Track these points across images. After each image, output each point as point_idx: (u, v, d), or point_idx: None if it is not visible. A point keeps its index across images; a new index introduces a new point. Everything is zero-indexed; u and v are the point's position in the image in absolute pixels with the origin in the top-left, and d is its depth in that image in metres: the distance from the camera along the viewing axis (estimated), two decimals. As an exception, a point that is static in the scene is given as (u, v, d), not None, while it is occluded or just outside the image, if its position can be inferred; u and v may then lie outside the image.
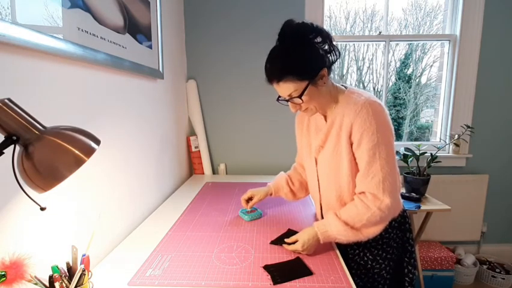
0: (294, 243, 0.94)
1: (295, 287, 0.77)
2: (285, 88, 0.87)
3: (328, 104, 0.95)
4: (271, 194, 1.22)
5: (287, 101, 0.91)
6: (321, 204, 1.06)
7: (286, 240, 0.96)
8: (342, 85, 0.98)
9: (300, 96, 0.87)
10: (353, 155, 0.90)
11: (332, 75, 0.95)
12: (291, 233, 1.05)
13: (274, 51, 0.88)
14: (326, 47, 0.88)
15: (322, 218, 1.08)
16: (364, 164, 0.87)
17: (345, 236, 0.90)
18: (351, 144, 0.90)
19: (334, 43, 0.89)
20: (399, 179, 0.98)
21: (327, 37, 0.87)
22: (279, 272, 0.83)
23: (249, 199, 1.21)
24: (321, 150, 0.98)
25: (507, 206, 2.16)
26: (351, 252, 1.00)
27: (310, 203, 1.39)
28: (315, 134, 1.02)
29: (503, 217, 2.18)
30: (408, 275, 1.02)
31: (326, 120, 0.98)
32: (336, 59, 0.91)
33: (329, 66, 0.90)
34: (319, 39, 0.87)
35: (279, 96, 0.92)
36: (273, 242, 1.00)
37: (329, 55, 0.89)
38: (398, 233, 0.99)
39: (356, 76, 3.95)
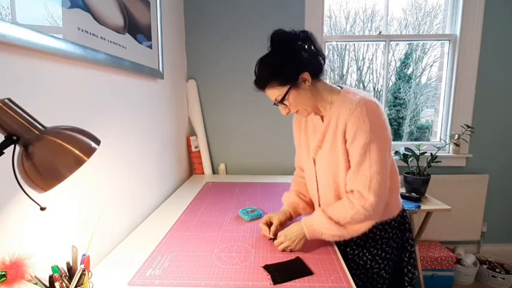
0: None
1: (295, 287, 0.77)
2: (270, 94, 0.92)
3: (320, 104, 0.96)
4: (291, 217, 1.11)
5: (276, 105, 0.95)
6: (319, 204, 1.06)
7: (274, 237, 0.99)
8: (338, 85, 0.99)
9: (282, 101, 0.91)
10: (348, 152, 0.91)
11: (331, 75, 0.95)
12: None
13: (259, 61, 0.93)
14: (312, 51, 0.91)
15: None
16: (355, 162, 0.88)
17: (329, 230, 0.91)
18: (346, 142, 0.90)
19: (317, 46, 0.91)
20: (397, 179, 0.98)
21: (307, 40, 0.90)
22: (279, 272, 0.83)
23: (268, 224, 1.08)
24: (318, 150, 0.99)
25: (507, 206, 2.16)
26: (350, 253, 1.00)
27: (310, 203, 1.38)
28: (312, 135, 1.02)
29: (503, 217, 2.18)
30: (408, 275, 1.02)
31: (322, 120, 0.98)
32: (323, 61, 0.93)
33: (317, 68, 0.92)
34: (303, 45, 0.90)
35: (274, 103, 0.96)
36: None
37: (318, 57, 0.92)
38: (398, 233, 0.99)
39: (356, 76, 3.95)
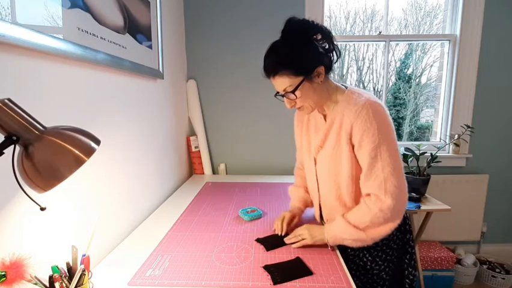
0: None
1: (295, 287, 0.77)
2: (280, 82, 0.87)
3: (325, 103, 0.95)
4: (301, 213, 1.15)
5: (282, 96, 0.91)
6: (320, 204, 1.06)
7: (287, 240, 1.00)
8: (343, 85, 0.98)
9: (293, 92, 0.87)
10: (355, 156, 0.90)
11: (332, 75, 0.95)
12: (283, 235, 1.05)
13: (273, 45, 0.89)
14: (327, 46, 0.89)
15: (321, 217, 1.09)
16: (366, 165, 0.86)
17: (348, 234, 0.90)
18: (353, 146, 0.89)
19: (335, 42, 0.89)
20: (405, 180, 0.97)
21: (327, 36, 0.88)
22: (279, 272, 0.83)
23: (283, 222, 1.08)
24: (320, 150, 0.98)
25: (507, 206, 2.16)
26: (351, 254, 1.00)
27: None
28: (314, 134, 1.02)
29: (503, 217, 2.18)
30: (409, 277, 1.01)
31: (325, 119, 0.98)
32: (337, 58, 0.91)
33: (329, 65, 0.90)
34: (320, 37, 0.88)
35: (277, 92, 0.92)
36: (268, 248, 0.97)
37: (329, 54, 0.90)
38: (399, 234, 0.99)
39: (356, 76, 3.95)
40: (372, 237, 0.90)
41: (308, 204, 1.16)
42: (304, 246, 0.97)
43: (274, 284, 0.78)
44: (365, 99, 0.87)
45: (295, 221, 1.10)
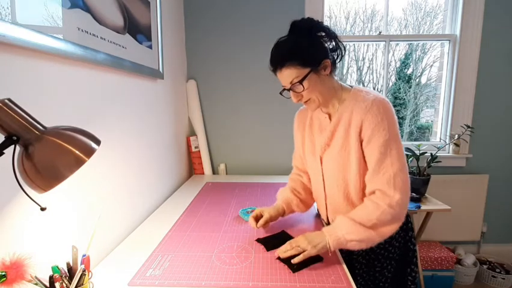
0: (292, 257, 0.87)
1: (295, 287, 0.77)
2: (287, 74, 0.87)
3: (331, 100, 0.95)
4: (283, 213, 1.10)
5: (289, 90, 0.91)
6: (326, 205, 1.05)
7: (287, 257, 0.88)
8: (348, 85, 0.98)
9: (301, 82, 0.87)
10: (362, 152, 0.89)
11: (335, 73, 0.96)
12: (284, 234, 1.05)
13: (279, 40, 0.90)
14: (331, 45, 0.91)
15: (327, 218, 1.07)
16: (375, 160, 0.86)
17: (356, 234, 0.83)
18: (361, 142, 0.89)
19: (340, 40, 0.91)
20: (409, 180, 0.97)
21: (332, 35, 0.90)
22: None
23: (258, 217, 1.08)
24: (326, 148, 0.98)
25: (507, 206, 2.16)
26: (355, 253, 1.00)
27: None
28: (319, 133, 1.01)
29: (503, 217, 2.18)
30: (411, 274, 1.02)
31: (330, 119, 0.98)
32: (342, 56, 0.92)
33: (333, 62, 0.92)
34: (325, 36, 0.90)
35: (283, 89, 0.93)
36: (269, 248, 0.97)
37: (334, 53, 0.92)
38: (401, 232, 0.99)
39: (356, 76, 3.95)
40: (382, 235, 0.86)
41: (291, 205, 1.12)
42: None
43: (294, 272, 0.82)
44: (373, 96, 0.88)
45: (268, 217, 1.05)
